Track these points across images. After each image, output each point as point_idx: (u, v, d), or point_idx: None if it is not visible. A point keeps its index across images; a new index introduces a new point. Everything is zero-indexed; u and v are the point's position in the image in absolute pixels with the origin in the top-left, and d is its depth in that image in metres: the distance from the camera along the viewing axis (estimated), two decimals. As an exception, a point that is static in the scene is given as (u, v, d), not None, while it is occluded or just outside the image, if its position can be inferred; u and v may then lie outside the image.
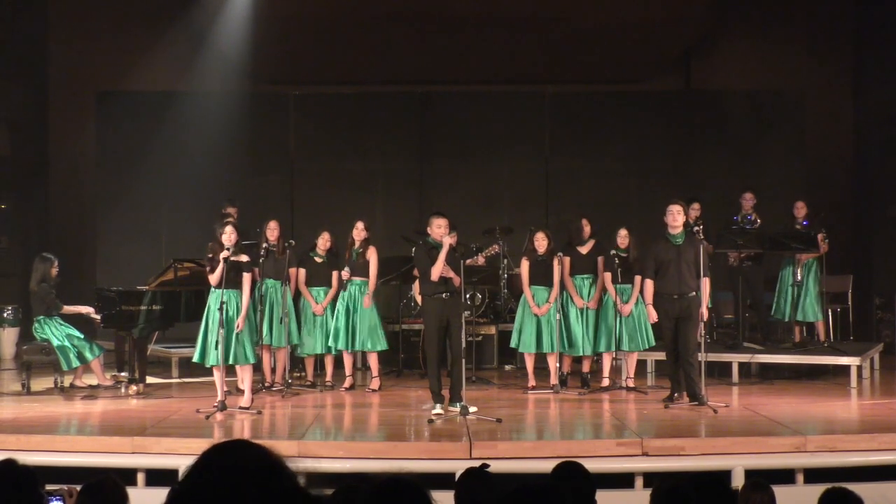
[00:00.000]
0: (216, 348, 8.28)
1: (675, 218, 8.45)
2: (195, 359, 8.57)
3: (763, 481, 4.36)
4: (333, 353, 9.82)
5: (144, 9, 13.37)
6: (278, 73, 13.46)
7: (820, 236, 10.50)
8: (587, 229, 9.63)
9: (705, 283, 8.53)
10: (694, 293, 8.41)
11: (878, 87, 13.15)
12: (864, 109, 13.58)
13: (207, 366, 8.48)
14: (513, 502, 2.80)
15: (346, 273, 9.62)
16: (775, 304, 10.86)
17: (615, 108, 13.30)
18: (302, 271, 9.78)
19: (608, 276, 9.40)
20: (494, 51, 12.78)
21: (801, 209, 10.78)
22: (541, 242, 9.47)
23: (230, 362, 8.38)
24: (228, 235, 8.40)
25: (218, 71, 13.09)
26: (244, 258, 8.47)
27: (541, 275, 9.43)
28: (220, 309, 8.21)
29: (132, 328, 9.45)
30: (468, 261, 8.51)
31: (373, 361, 9.76)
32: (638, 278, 9.36)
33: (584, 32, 12.34)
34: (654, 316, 8.60)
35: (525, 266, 9.53)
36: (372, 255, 9.67)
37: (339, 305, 9.66)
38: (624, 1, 11.86)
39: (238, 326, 8.31)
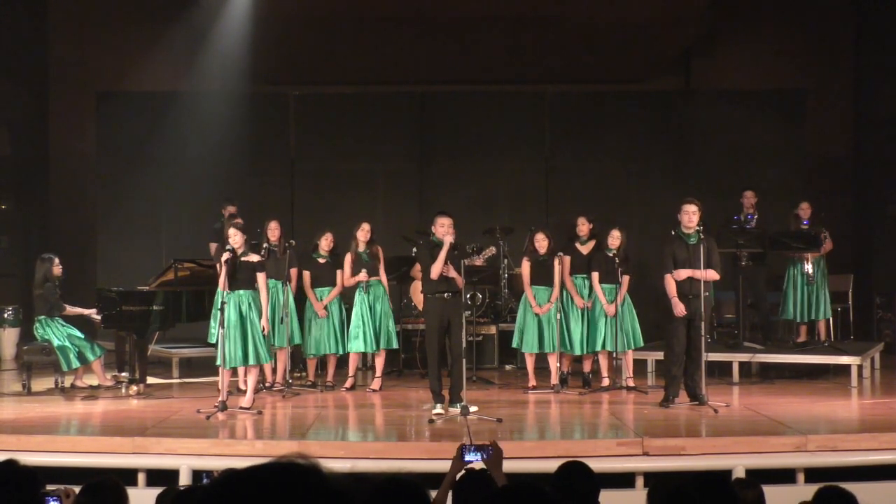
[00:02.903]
0: (218, 349, 8.30)
1: (691, 218, 8.37)
2: (217, 362, 8.53)
3: (753, 480, 4.38)
4: (341, 352, 9.79)
5: (144, 9, 13.37)
6: (278, 73, 13.45)
7: (822, 235, 10.56)
8: (584, 228, 9.64)
9: (710, 273, 8.43)
10: (707, 293, 8.37)
11: (878, 87, 13.15)
12: (864, 109, 13.58)
13: (227, 368, 8.43)
14: (500, 500, 2.81)
15: (364, 275, 9.59)
16: (783, 305, 10.83)
17: (615, 108, 13.30)
18: (306, 273, 9.78)
19: (595, 275, 9.41)
20: (494, 51, 12.76)
21: (805, 210, 10.78)
22: (541, 243, 9.48)
23: (241, 363, 8.39)
24: (233, 237, 8.41)
25: (218, 71, 13.09)
26: (255, 258, 8.46)
27: (542, 275, 9.44)
28: (221, 309, 8.21)
29: (133, 328, 9.45)
30: (465, 261, 8.50)
31: (380, 361, 9.77)
32: (626, 278, 9.39)
33: (584, 32, 12.32)
34: (681, 308, 8.34)
35: (526, 266, 9.54)
36: (381, 254, 9.72)
37: (359, 308, 9.63)
38: (624, 1, 11.85)
39: (263, 329, 8.32)
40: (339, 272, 9.75)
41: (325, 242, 9.81)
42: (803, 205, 10.86)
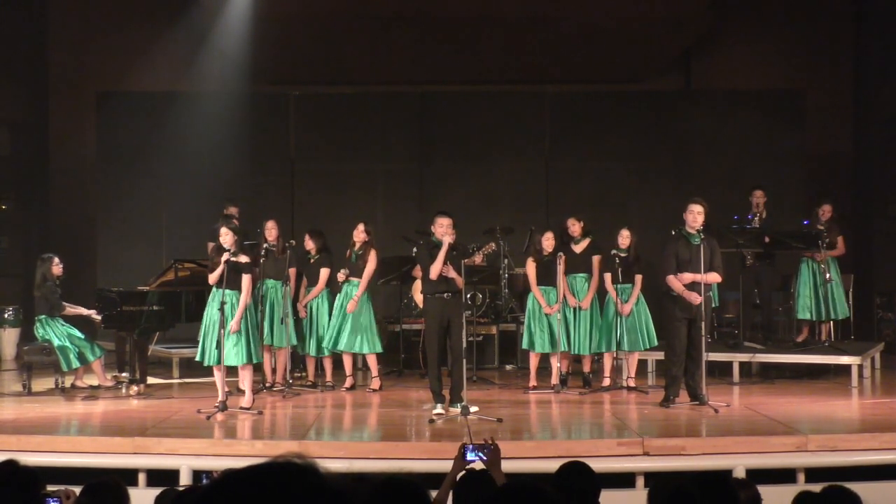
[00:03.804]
0: (216, 348, 8.29)
1: (696, 218, 8.33)
2: (197, 357, 8.60)
3: (747, 480, 4.39)
4: (326, 354, 9.80)
5: (144, 9, 13.38)
6: (278, 73, 13.46)
7: (841, 238, 10.56)
8: (576, 227, 9.62)
9: (712, 275, 8.43)
10: (709, 293, 8.37)
11: (878, 87, 13.16)
12: (864, 109, 13.58)
13: (206, 365, 8.49)
14: (500, 500, 2.80)
15: (342, 274, 9.62)
16: (795, 304, 10.77)
17: (615, 108, 13.30)
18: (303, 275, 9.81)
19: (608, 276, 9.40)
20: (494, 51, 12.78)
21: (826, 211, 10.69)
22: (549, 242, 9.47)
23: (227, 363, 8.38)
24: (223, 237, 8.40)
25: (218, 71, 13.09)
26: (244, 259, 8.46)
27: (547, 275, 9.42)
28: (221, 309, 8.21)
29: (133, 328, 9.45)
30: (465, 260, 8.50)
31: (371, 362, 9.76)
32: (639, 277, 9.39)
33: (585, 32, 12.34)
34: (696, 296, 8.26)
35: (532, 267, 9.51)
36: (371, 258, 9.64)
37: (336, 308, 9.65)
38: (624, 0, 11.86)
39: (232, 328, 8.29)
40: (322, 271, 9.73)
41: (308, 244, 9.83)
42: (825, 206, 10.74)
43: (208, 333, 8.40)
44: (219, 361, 8.26)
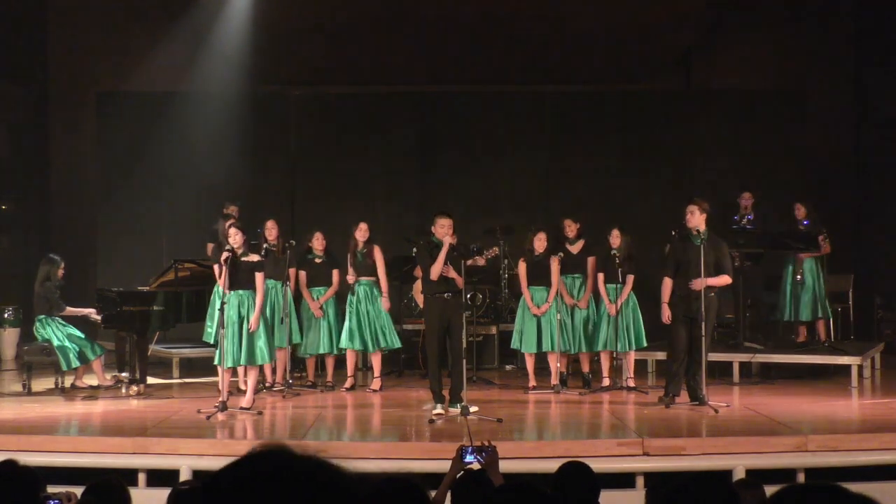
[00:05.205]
0: (217, 349, 8.30)
1: (689, 219, 8.38)
2: (215, 361, 8.55)
3: (755, 480, 4.38)
4: (336, 352, 9.80)
5: (144, 9, 13.37)
6: (278, 73, 13.46)
7: (821, 237, 10.53)
8: (572, 228, 9.63)
9: (722, 278, 8.44)
10: (712, 294, 8.37)
11: (878, 87, 13.16)
12: (864, 109, 13.58)
13: (225, 367, 8.43)
14: (497, 500, 2.81)
15: (351, 276, 9.61)
16: (780, 305, 10.85)
17: (615, 108, 13.29)
18: (302, 273, 9.79)
19: (601, 276, 9.41)
20: (494, 51, 12.79)
21: (800, 209, 10.78)
22: (541, 242, 9.48)
23: (244, 363, 8.39)
24: (233, 237, 8.40)
25: (218, 71, 13.08)
26: (255, 258, 8.46)
27: (539, 275, 9.43)
28: (221, 309, 8.21)
29: (133, 328, 9.45)
30: (468, 261, 8.51)
31: (377, 361, 9.76)
32: (630, 277, 9.39)
33: (584, 32, 12.35)
34: (667, 315, 8.44)
35: (523, 267, 9.53)
36: (378, 255, 9.67)
37: (349, 307, 9.63)
38: (624, 1, 11.87)
39: (251, 326, 8.31)
40: (334, 272, 9.74)
41: (317, 242, 9.82)
42: (797, 205, 10.84)
43: (227, 335, 8.34)
44: (227, 363, 8.27)
